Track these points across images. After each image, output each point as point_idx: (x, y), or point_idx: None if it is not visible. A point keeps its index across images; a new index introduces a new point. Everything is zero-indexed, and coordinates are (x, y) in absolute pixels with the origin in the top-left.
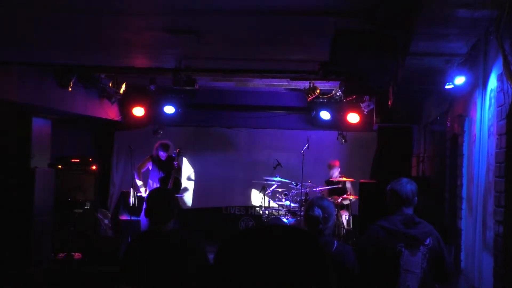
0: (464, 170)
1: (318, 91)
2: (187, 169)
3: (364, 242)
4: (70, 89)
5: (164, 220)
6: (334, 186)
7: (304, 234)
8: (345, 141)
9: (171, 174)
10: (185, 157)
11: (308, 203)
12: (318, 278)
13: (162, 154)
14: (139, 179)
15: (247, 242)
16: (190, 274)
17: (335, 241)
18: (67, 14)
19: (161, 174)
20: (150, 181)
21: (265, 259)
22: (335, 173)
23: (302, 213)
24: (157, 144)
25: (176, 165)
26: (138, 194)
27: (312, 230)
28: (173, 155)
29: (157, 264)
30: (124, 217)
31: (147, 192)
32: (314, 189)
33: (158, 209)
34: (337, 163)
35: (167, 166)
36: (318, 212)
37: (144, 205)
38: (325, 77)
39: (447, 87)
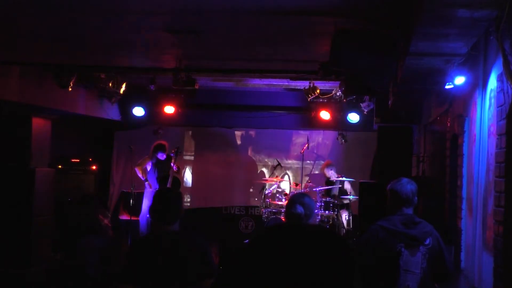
0: (464, 170)
1: (318, 91)
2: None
3: (364, 242)
4: (70, 89)
5: (170, 220)
6: (333, 186)
7: (331, 232)
8: (345, 141)
9: (170, 173)
10: (184, 156)
11: (289, 201)
12: (343, 273)
13: (161, 155)
14: (141, 176)
15: (278, 238)
16: (196, 274)
17: None
18: (67, 14)
19: (161, 174)
20: (150, 180)
21: (294, 254)
22: (329, 173)
23: None
24: (153, 147)
25: (175, 168)
26: (147, 186)
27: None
28: (171, 154)
29: (162, 264)
30: (124, 217)
31: (151, 190)
32: (314, 189)
33: (164, 210)
34: (327, 162)
35: (166, 165)
36: (300, 209)
37: (143, 206)
38: (325, 77)
39: (447, 87)
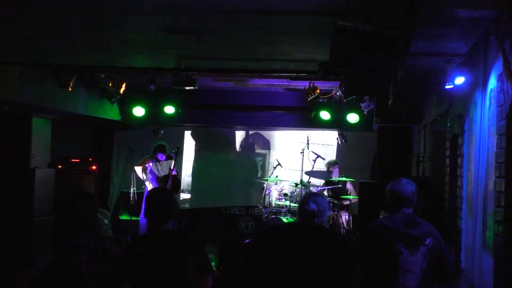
0: (464, 170)
1: (318, 91)
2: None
3: (364, 240)
4: (70, 89)
5: (164, 220)
6: (334, 186)
7: (333, 233)
8: (345, 141)
9: (170, 173)
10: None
11: (303, 198)
12: (344, 273)
13: (161, 156)
14: (141, 175)
15: (280, 237)
16: (191, 273)
17: None
18: (67, 14)
19: (161, 174)
20: (150, 180)
21: (297, 254)
22: (334, 171)
23: None
24: (153, 147)
25: (174, 172)
26: (146, 185)
27: (308, 223)
28: (172, 155)
29: (159, 263)
30: (124, 217)
31: (148, 190)
32: (314, 189)
33: (157, 209)
34: (333, 160)
35: (166, 165)
36: (313, 206)
37: (143, 206)
38: (325, 77)
39: (447, 87)
